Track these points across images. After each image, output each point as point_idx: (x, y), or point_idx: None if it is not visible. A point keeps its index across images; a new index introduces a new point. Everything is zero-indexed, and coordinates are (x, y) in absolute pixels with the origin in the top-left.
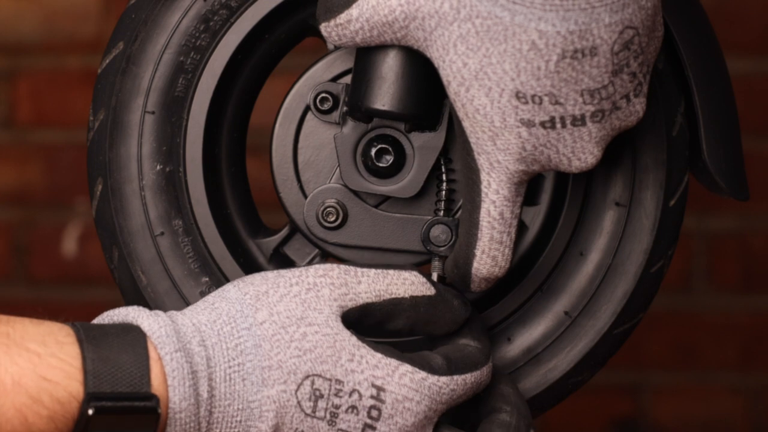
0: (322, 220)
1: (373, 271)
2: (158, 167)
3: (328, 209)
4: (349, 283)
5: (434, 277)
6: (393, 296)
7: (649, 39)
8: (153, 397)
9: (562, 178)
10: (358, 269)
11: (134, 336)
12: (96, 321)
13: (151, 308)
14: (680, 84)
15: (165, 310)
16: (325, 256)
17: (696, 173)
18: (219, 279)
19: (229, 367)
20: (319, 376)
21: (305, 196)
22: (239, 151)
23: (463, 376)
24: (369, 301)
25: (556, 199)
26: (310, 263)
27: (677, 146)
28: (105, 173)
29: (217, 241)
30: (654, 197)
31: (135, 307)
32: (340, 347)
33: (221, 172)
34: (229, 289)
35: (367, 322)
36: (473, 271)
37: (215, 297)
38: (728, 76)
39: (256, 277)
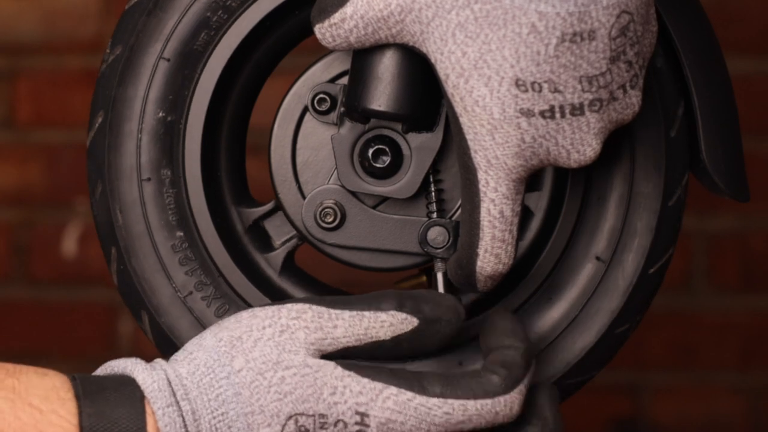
0: (320, 221)
1: (347, 313)
2: (160, 114)
3: (326, 210)
4: (325, 327)
5: (440, 278)
6: (373, 339)
7: (644, 29)
8: None
9: (548, 223)
10: (332, 311)
11: (130, 390)
12: (98, 371)
13: (119, 247)
14: (680, 87)
15: (133, 251)
16: (302, 240)
17: (696, 174)
18: (193, 236)
19: (213, 417)
20: (303, 414)
21: (304, 197)
22: (244, 117)
23: (461, 402)
24: (349, 345)
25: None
26: (285, 243)
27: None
28: (108, 108)
29: (200, 199)
30: (634, 261)
31: (133, 360)
32: (321, 383)
33: (221, 135)
34: (206, 336)
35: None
36: (477, 270)
37: (193, 345)
38: (728, 76)
39: (230, 321)
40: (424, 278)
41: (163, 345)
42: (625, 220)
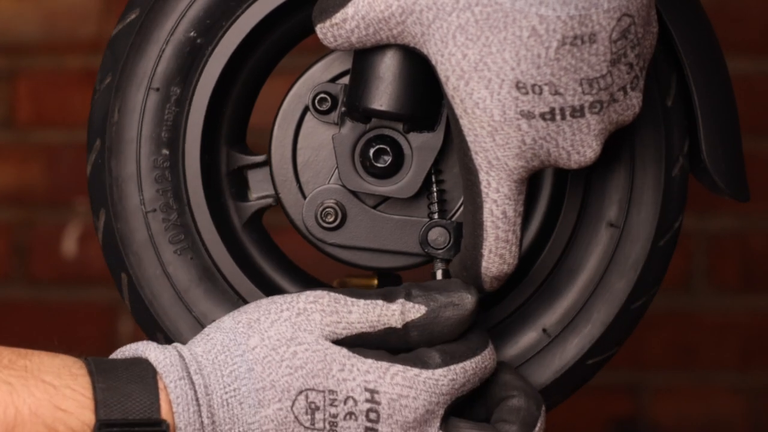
0: (320, 221)
1: (362, 301)
2: (192, 34)
3: (327, 210)
4: (340, 311)
5: (439, 275)
6: (387, 326)
7: (645, 31)
8: (163, 422)
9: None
10: (348, 298)
11: (143, 367)
12: (110, 357)
13: (105, 142)
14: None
15: (117, 151)
16: (277, 203)
17: (697, 174)
18: (177, 159)
19: (226, 392)
20: (312, 389)
21: (304, 197)
22: (269, 66)
23: (461, 365)
24: (363, 330)
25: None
26: (260, 199)
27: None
28: (144, 9)
29: (197, 127)
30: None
31: (144, 342)
32: (331, 359)
33: (241, 74)
34: (225, 320)
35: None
36: (483, 271)
37: (211, 328)
38: (728, 76)
39: (250, 306)
40: (376, 282)
41: (109, 249)
42: (584, 305)
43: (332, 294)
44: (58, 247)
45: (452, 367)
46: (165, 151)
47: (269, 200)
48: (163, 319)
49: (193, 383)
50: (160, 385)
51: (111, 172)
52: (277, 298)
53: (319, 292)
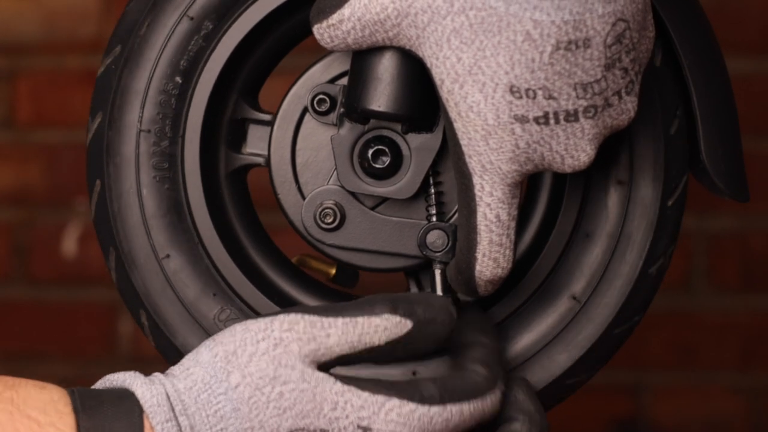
0: (319, 222)
1: (340, 320)
2: None
3: (326, 210)
4: (318, 337)
5: (438, 279)
6: (368, 345)
7: (641, 36)
8: None
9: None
10: (324, 320)
11: (128, 405)
12: (96, 385)
13: (124, 51)
14: (679, 90)
15: (132, 62)
16: (267, 165)
17: (696, 174)
18: (187, 90)
19: None
20: (303, 429)
21: (303, 198)
22: (299, 35)
23: (458, 406)
24: (343, 353)
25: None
26: (252, 155)
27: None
28: None
29: (217, 66)
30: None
31: (132, 374)
32: (321, 398)
33: (276, 30)
34: (201, 351)
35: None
36: (476, 274)
37: (189, 361)
38: (728, 76)
39: (225, 334)
40: (333, 270)
41: (93, 153)
42: (520, 365)
43: (307, 317)
44: (58, 247)
45: (449, 406)
46: (178, 79)
47: (260, 159)
48: (121, 237)
49: (179, 425)
50: (146, 424)
51: (120, 80)
52: (251, 325)
53: (293, 317)
